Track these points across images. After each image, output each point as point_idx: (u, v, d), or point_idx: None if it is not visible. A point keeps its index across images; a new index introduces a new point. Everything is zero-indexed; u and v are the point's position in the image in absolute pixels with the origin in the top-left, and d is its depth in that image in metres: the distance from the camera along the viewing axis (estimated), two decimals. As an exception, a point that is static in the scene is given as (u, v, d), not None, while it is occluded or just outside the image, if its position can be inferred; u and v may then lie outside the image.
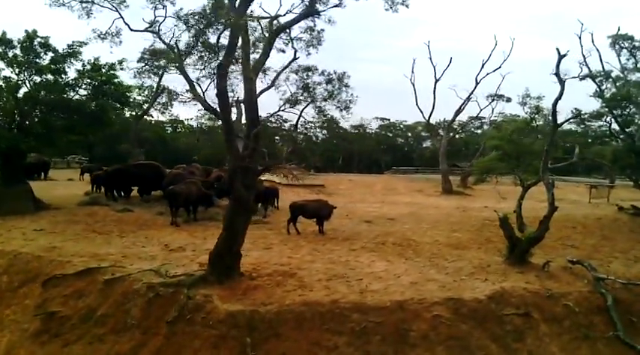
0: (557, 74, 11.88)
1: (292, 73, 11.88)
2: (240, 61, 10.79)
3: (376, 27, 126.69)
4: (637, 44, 24.83)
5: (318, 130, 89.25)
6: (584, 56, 26.27)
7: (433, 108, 38.27)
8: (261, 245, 13.94)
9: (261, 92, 11.57)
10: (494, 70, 37.19)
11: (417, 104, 38.62)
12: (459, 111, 39.31)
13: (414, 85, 38.69)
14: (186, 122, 70.73)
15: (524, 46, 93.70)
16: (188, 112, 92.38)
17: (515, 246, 12.40)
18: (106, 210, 17.46)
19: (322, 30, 11.59)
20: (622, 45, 25.49)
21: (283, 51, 11.87)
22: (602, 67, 24.27)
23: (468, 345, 9.50)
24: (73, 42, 16.80)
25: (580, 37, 27.76)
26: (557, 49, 11.73)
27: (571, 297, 11.15)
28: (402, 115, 76.06)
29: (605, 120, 23.72)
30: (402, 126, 72.16)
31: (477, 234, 17.07)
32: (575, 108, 30.68)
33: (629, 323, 11.02)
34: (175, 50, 10.77)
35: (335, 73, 11.93)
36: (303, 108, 12.00)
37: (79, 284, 10.47)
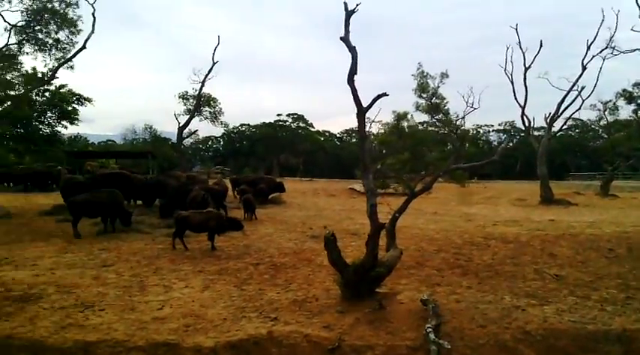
0: (344, 39, 8.03)
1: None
2: None
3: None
4: None
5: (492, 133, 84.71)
6: None
7: (525, 100, 33.53)
8: (100, 262, 12.32)
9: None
10: (601, 51, 31.74)
11: (515, 98, 34.04)
12: (562, 104, 33.20)
13: (510, 76, 33.78)
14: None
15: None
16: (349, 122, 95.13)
17: (342, 274, 8.91)
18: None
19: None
20: None
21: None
22: None
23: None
24: None
25: None
26: (345, 4, 7.92)
27: (369, 353, 7.48)
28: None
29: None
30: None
31: (430, 255, 13.08)
32: (624, 90, 23.14)
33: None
34: None
35: None
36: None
37: None
